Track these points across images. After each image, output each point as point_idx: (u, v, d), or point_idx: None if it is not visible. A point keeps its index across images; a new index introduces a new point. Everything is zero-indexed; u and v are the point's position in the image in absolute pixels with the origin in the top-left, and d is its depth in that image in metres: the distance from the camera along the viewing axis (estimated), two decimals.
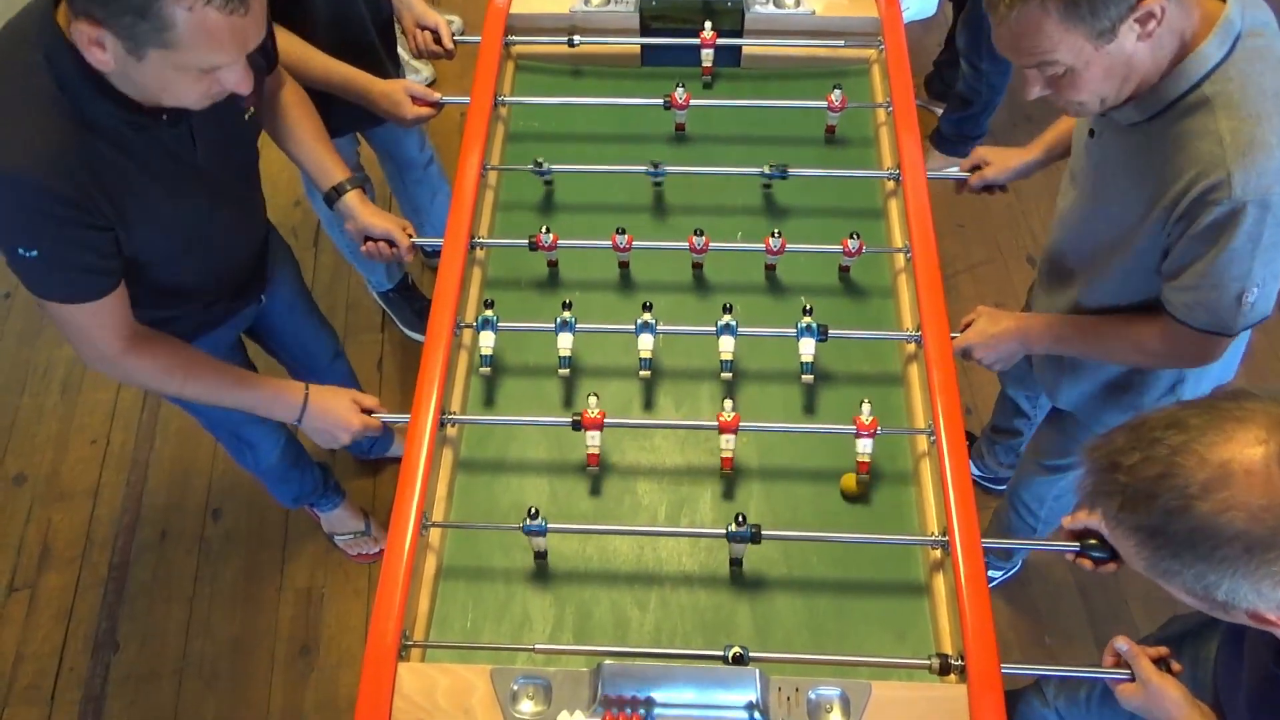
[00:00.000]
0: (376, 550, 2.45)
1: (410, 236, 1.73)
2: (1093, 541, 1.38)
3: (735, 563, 1.43)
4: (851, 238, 1.64)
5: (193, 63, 1.22)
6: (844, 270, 1.73)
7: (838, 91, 1.83)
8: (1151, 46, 1.25)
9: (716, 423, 1.46)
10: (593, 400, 1.48)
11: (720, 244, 1.67)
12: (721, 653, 1.26)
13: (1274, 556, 0.86)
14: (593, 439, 1.48)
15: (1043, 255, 1.76)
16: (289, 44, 1.77)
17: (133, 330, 1.46)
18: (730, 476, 1.52)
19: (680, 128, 1.92)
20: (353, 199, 1.71)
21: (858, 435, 1.46)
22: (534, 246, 1.67)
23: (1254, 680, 1.17)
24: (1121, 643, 1.29)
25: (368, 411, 1.62)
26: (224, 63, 1.24)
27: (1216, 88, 1.27)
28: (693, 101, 1.85)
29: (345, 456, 2.62)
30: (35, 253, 1.30)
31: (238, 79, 1.28)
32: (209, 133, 1.45)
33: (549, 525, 1.37)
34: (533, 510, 1.36)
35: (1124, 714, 1.33)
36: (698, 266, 1.73)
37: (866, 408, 1.46)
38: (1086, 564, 1.40)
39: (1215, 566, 0.89)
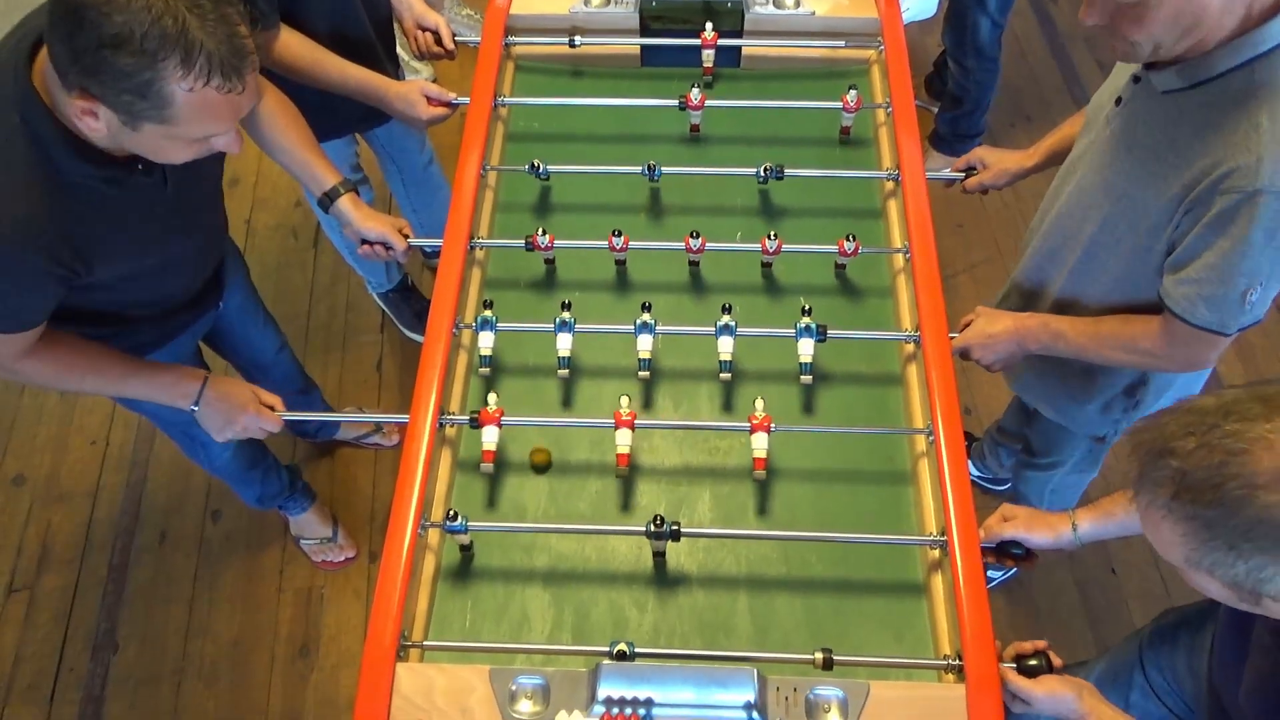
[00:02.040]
0: (342, 558, 2.45)
1: (407, 237, 1.74)
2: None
3: (658, 554, 1.44)
4: (848, 239, 1.64)
5: (188, 135, 1.24)
6: (839, 269, 1.73)
7: (853, 92, 1.82)
8: (1223, 4, 1.21)
9: (715, 423, 1.47)
10: (492, 398, 1.49)
11: (715, 244, 1.67)
12: (719, 653, 1.26)
13: None
14: (489, 436, 1.48)
15: (1027, 240, 1.75)
16: (302, 48, 1.77)
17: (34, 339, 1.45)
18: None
19: (695, 129, 1.91)
20: (346, 203, 1.71)
21: (752, 431, 1.46)
22: (530, 247, 1.67)
23: (1260, 669, 1.16)
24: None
25: (271, 409, 1.60)
26: (219, 132, 1.27)
27: (1267, 71, 1.24)
28: (707, 103, 1.84)
29: (344, 458, 2.62)
30: None
31: (228, 142, 1.30)
32: (179, 172, 1.45)
33: (468, 524, 1.39)
34: (451, 513, 1.38)
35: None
36: (694, 265, 1.74)
37: (760, 404, 1.47)
38: (1008, 562, 1.42)
39: (1275, 560, 0.86)
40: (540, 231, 1.66)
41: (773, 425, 1.46)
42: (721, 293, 1.71)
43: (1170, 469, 0.90)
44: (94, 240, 1.36)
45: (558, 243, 1.68)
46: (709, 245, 1.66)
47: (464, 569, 1.45)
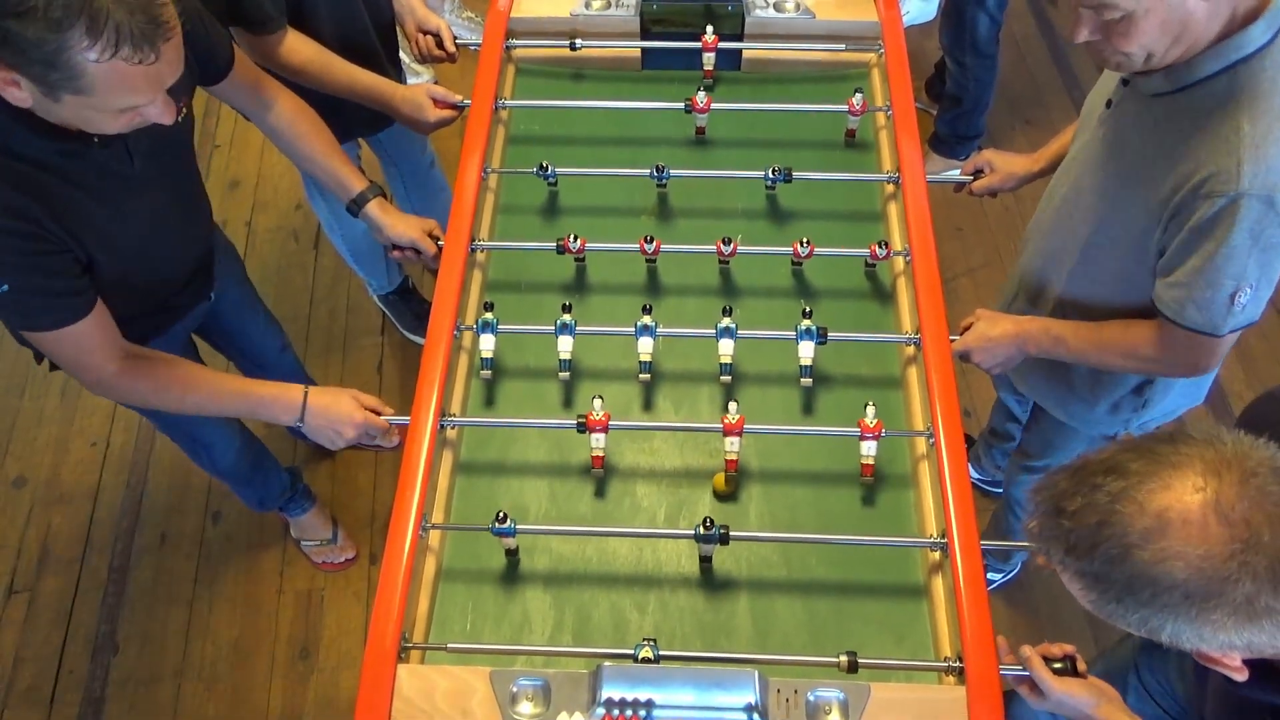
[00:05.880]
0: (342, 559, 2.45)
1: (437, 240, 1.73)
2: None
3: (705, 559, 1.44)
4: (880, 245, 1.65)
5: (108, 105, 1.22)
6: (869, 267, 1.73)
7: (858, 95, 1.83)
8: (1209, 10, 1.23)
9: (721, 425, 1.46)
10: (597, 403, 1.48)
11: (745, 248, 1.68)
12: (720, 655, 1.26)
13: (1214, 605, 0.86)
14: (597, 441, 1.48)
15: (1025, 239, 1.75)
16: (312, 52, 1.78)
17: (125, 350, 1.47)
18: (730, 479, 1.52)
19: (700, 131, 1.92)
20: (374, 208, 1.71)
21: (862, 438, 1.46)
22: (561, 250, 1.67)
23: (1216, 690, 1.18)
24: (1024, 650, 1.27)
25: (373, 411, 1.61)
26: (140, 103, 1.25)
27: (1249, 75, 1.26)
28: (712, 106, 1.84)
29: (344, 460, 2.62)
30: (5, 287, 1.31)
31: (158, 113, 1.28)
32: (143, 144, 1.44)
33: (518, 527, 1.39)
34: (500, 514, 1.37)
35: None
36: (724, 264, 1.73)
37: (871, 410, 1.47)
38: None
39: (1157, 612, 0.89)
40: (571, 237, 1.67)
41: (745, 426, 1.46)
42: (725, 295, 1.71)
43: (1061, 529, 0.93)
44: (70, 211, 1.35)
45: (584, 246, 1.68)
46: (720, 249, 1.67)
47: (464, 570, 1.45)
